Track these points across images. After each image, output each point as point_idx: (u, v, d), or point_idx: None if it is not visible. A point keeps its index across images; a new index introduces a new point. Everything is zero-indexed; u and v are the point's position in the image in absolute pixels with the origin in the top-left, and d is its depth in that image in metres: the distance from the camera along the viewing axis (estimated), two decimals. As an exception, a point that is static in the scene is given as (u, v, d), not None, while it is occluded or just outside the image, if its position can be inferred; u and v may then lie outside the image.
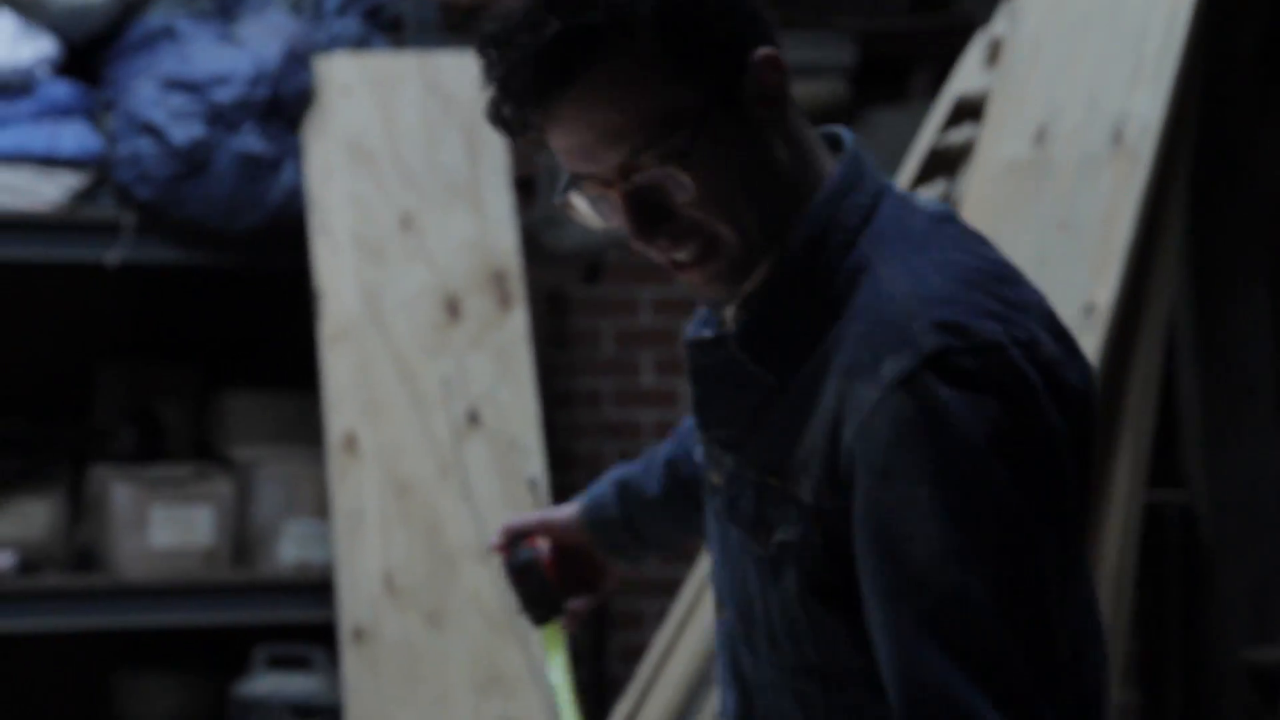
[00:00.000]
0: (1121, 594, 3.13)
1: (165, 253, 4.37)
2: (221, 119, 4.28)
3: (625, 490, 1.88)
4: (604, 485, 1.91)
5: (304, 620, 4.39)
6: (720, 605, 1.55)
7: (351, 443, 4.26)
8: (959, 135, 3.69)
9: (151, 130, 4.25)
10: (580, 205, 1.44)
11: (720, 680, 1.57)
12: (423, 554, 4.19)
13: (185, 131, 4.25)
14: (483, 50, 1.39)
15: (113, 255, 4.31)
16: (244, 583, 4.45)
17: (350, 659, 4.12)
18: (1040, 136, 3.42)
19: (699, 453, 1.58)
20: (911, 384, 1.32)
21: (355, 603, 4.16)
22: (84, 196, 4.31)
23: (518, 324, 4.32)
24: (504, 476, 4.30)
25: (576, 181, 1.43)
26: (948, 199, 3.55)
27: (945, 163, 3.70)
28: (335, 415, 4.28)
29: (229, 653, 4.65)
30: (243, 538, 4.52)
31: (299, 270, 4.32)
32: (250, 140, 4.30)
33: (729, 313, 1.49)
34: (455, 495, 4.24)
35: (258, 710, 4.29)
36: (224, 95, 4.28)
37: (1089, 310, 3.14)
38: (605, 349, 5.10)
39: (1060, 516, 1.36)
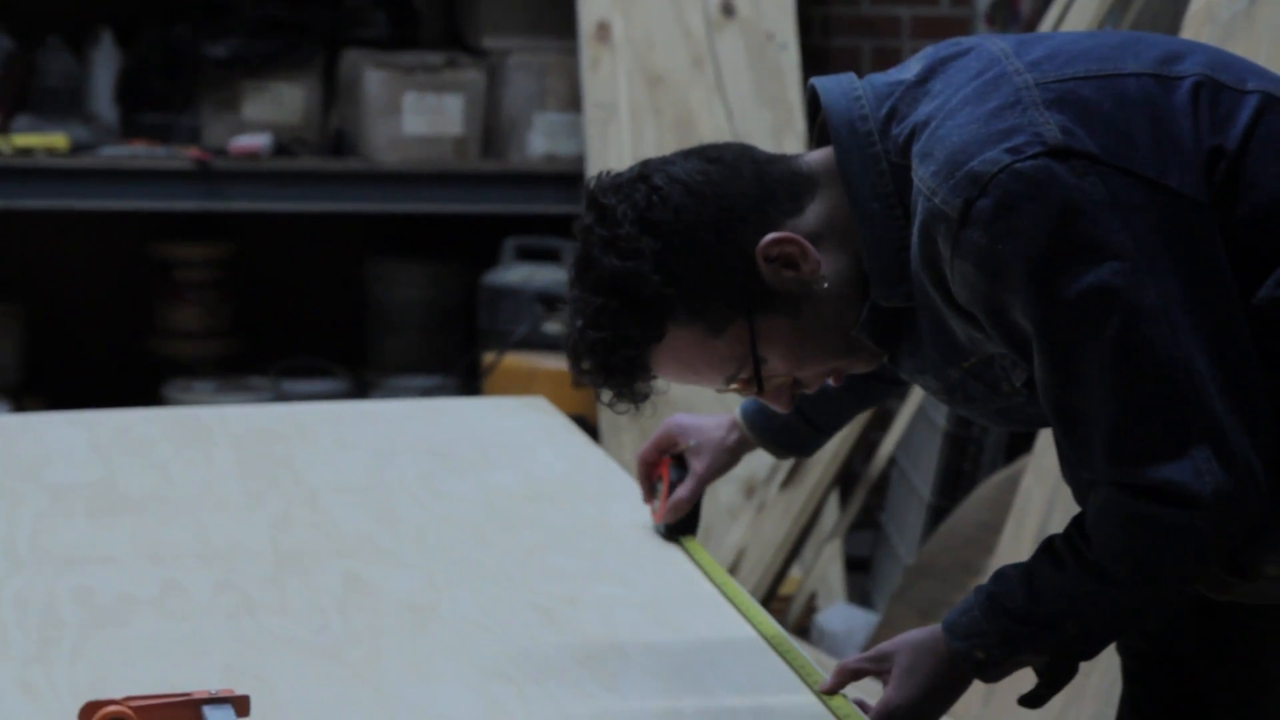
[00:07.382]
0: None
1: None
2: None
3: None
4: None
5: (552, 212, 4.39)
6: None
7: (604, 32, 4.18)
8: None
9: None
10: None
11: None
12: (673, 148, 4.10)
13: None
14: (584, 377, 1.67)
15: None
16: (493, 172, 4.46)
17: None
18: None
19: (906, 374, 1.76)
20: (959, 248, 1.51)
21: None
22: None
23: (776, -88, 4.17)
24: (757, 69, 4.20)
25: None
26: None
27: None
28: (587, 2, 4.19)
29: (479, 244, 4.69)
30: (493, 128, 4.51)
31: None
32: None
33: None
34: (707, 88, 4.16)
35: (508, 298, 4.32)
36: None
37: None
38: (865, -58, 4.91)
39: (1168, 257, 1.48)
